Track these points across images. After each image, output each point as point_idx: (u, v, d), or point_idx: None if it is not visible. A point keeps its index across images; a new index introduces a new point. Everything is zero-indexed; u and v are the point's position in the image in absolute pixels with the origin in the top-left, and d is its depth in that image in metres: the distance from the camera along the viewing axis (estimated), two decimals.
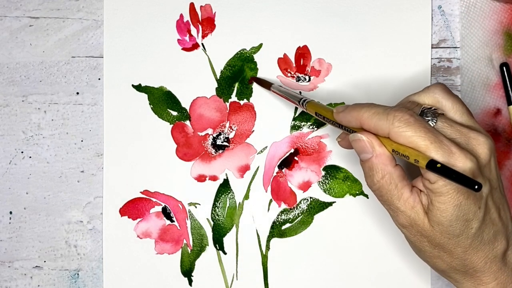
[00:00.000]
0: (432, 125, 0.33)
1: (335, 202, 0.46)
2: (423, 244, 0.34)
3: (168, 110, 0.47)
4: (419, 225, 0.33)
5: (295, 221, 0.46)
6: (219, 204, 0.47)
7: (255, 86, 0.46)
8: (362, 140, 0.34)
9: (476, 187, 0.29)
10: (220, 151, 0.47)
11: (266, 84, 0.45)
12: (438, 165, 0.30)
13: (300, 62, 0.46)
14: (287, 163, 0.46)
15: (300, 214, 0.46)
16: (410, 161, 0.32)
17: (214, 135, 0.47)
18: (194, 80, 0.47)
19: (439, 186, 0.31)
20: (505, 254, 0.34)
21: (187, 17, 0.47)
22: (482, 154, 0.33)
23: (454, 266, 0.34)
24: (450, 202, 0.32)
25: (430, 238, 0.33)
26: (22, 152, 0.48)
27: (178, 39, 0.47)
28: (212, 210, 0.47)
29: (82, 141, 0.47)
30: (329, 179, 0.46)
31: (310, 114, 0.40)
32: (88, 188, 0.47)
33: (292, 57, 0.46)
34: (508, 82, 0.45)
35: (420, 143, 0.31)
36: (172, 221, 0.47)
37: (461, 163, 0.31)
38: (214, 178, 0.47)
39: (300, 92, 0.46)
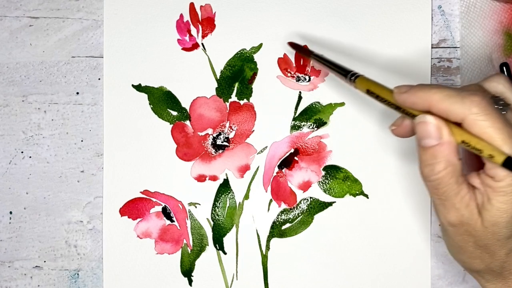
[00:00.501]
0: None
1: (335, 202, 0.46)
2: (467, 244, 0.32)
3: (168, 110, 0.47)
4: (470, 224, 0.31)
5: (295, 221, 0.46)
6: (219, 204, 0.47)
7: (255, 85, 0.46)
8: (430, 123, 0.30)
9: None
10: (220, 151, 0.47)
11: (305, 52, 0.44)
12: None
13: (300, 62, 0.46)
14: (287, 163, 0.46)
15: (300, 214, 0.46)
16: (483, 155, 0.29)
17: (214, 135, 0.47)
18: (194, 80, 0.47)
19: (506, 185, 0.29)
20: None
21: (187, 17, 0.47)
22: None
23: (491, 267, 0.33)
24: (511, 202, 0.30)
25: (477, 238, 0.31)
26: (22, 152, 0.48)
27: (178, 39, 0.47)
28: (212, 210, 0.47)
29: (82, 141, 0.47)
30: (329, 179, 0.46)
31: (360, 91, 0.37)
32: (88, 188, 0.47)
33: (292, 57, 0.46)
34: None
35: (496, 136, 0.29)
36: (172, 221, 0.47)
37: None
38: (214, 178, 0.47)
39: (300, 93, 0.46)
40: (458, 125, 0.30)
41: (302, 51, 0.45)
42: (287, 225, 0.46)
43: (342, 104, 0.46)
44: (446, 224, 0.33)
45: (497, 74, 0.34)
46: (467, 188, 0.31)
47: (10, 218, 0.48)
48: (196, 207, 0.47)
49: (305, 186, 0.46)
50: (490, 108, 0.29)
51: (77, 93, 0.47)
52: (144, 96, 0.47)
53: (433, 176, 0.31)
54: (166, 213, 0.47)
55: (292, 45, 0.45)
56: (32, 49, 0.48)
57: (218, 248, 0.47)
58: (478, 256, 0.33)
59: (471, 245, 0.32)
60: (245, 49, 0.47)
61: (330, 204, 0.46)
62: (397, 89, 0.32)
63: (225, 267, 0.47)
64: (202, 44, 0.47)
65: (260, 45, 0.47)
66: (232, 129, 0.46)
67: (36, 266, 0.47)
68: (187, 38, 0.47)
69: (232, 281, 0.47)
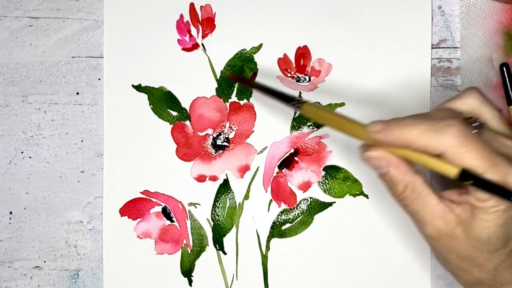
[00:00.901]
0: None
1: (335, 202, 0.46)
2: (451, 257, 0.32)
3: (168, 110, 0.47)
4: (449, 235, 0.31)
5: (295, 221, 0.46)
6: (219, 204, 0.47)
7: None
8: (375, 158, 0.31)
9: None
10: (220, 151, 0.47)
11: (247, 82, 0.44)
12: (469, 182, 0.29)
13: (300, 62, 0.46)
14: (287, 163, 0.46)
15: (300, 214, 0.46)
16: (437, 171, 0.30)
17: (214, 135, 0.47)
18: (194, 80, 0.47)
19: (490, 205, 0.30)
20: None
21: (187, 17, 0.47)
22: None
23: (481, 280, 0.33)
24: (494, 220, 0.30)
25: (460, 251, 0.32)
26: (22, 152, 0.48)
27: (178, 39, 0.47)
28: (212, 210, 0.47)
29: (82, 141, 0.47)
30: (329, 179, 0.46)
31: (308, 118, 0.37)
32: (88, 188, 0.47)
33: (292, 57, 0.46)
34: (508, 82, 0.45)
35: (478, 166, 0.29)
36: (172, 221, 0.47)
37: None
38: (214, 178, 0.47)
39: (300, 93, 0.46)
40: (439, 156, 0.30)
41: (244, 82, 0.45)
42: (287, 225, 0.46)
43: (342, 104, 0.46)
44: (425, 237, 0.33)
45: (470, 89, 0.33)
46: (436, 199, 0.31)
47: (10, 218, 0.48)
48: (196, 207, 0.47)
49: (305, 186, 0.46)
50: (467, 137, 0.29)
51: (77, 93, 0.47)
52: (144, 96, 0.47)
53: (398, 198, 0.32)
54: (166, 213, 0.47)
55: (233, 77, 0.45)
56: (32, 49, 0.48)
57: (218, 248, 0.47)
58: (466, 269, 0.33)
59: (455, 257, 0.32)
60: (245, 49, 0.47)
61: (330, 204, 0.46)
62: (371, 128, 0.32)
63: (225, 267, 0.47)
64: (202, 44, 0.47)
65: (260, 45, 0.47)
66: (232, 129, 0.46)
67: (36, 266, 0.47)
68: (187, 38, 0.47)
69: (232, 281, 0.47)
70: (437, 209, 0.31)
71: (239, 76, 0.46)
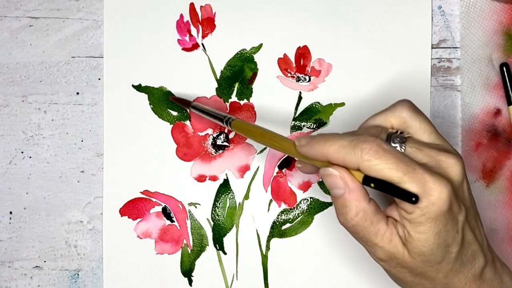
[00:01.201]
0: (401, 151, 0.32)
1: None
2: (404, 275, 0.33)
3: (168, 110, 0.47)
4: (398, 257, 0.32)
5: (295, 221, 0.46)
6: (219, 204, 0.47)
7: (255, 86, 0.46)
8: (334, 175, 0.32)
9: (414, 199, 0.29)
10: (220, 151, 0.47)
11: (185, 103, 0.45)
12: (372, 185, 0.30)
13: (300, 62, 0.46)
14: (287, 163, 0.46)
15: (300, 214, 0.46)
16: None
17: (214, 135, 0.47)
18: (194, 80, 0.47)
19: (417, 216, 0.30)
20: (483, 271, 0.33)
21: (187, 17, 0.47)
22: (455, 176, 0.32)
23: None
24: (429, 231, 0.31)
25: (411, 269, 0.32)
26: (22, 152, 0.48)
27: (178, 39, 0.47)
28: (212, 210, 0.47)
29: (82, 141, 0.47)
30: None
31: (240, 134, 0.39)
32: (88, 188, 0.47)
33: (292, 57, 0.46)
34: (508, 82, 0.45)
35: (393, 175, 0.30)
36: (172, 221, 0.47)
37: (437, 192, 0.30)
38: (214, 178, 0.47)
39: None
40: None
41: (181, 102, 0.45)
42: (287, 225, 0.46)
43: (342, 104, 0.46)
44: (377, 260, 0.34)
45: (401, 102, 0.35)
46: (385, 225, 0.32)
47: (10, 218, 0.48)
48: (196, 207, 0.47)
49: (305, 186, 0.46)
50: (381, 150, 0.30)
51: (77, 93, 0.47)
52: (144, 96, 0.47)
53: (348, 223, 0.32)
54: (166, 213, 0.47)
55: (174, 99, 0.46)
56: (32, 49, 0.48)
57: (218, 248, 0.47)
58: (418, 283, 0.33)
59: (408, 275, 0.33)
60: (245, 49, 0.47)
61: (330, 204, 0.46)
62: (297, 142, 0.34)
63: (225, 267, 0.47)
64: (202, 44, 0.47)
65: (260, 45, 0.47)
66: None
67: (36, 266, 0.47)
68: (187, 38, 0.47)
69: (232, 281, 0.47)
70: (387, 234, 0.32)
71: (178, 97, 0.46)
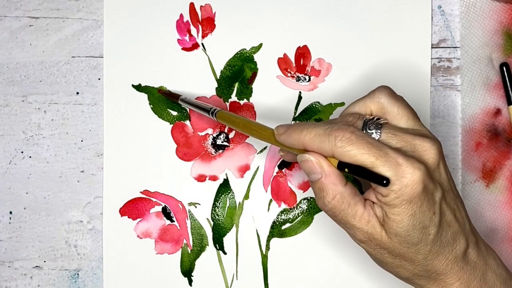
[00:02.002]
0: (376, 137, 0.33)
1: None
2: (384, 256, 0.34)
3: (168, 110, 0.47)
4: (377, 238, 0.33)
5: (295, 221, 0.46)
6: (219, 204, 0.47)
7: (255, 85, 0.46)
8: (310, 160, 0.33)
9: (385, 182, 0.30)
10: (220, 151, 0.47)
11: (174, 96, 0.45)
12: (346, 170, 0.31)
13: (300, 62, 0.46)
14: (287, 163, 0.46)
15: (300, 214, 0.46)
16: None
17: (214, 135, 0.47)
18: (194, 80, 0.47)
19: (392, 198, 0.31)
20: (465, 253, 0.34)
21: (187, 17, 0.47)
22: (430, 159, 0.32)
23: (416, 273, 0.34)
24: (404, 213, 0.31)
25: (389, 250, 0.33)
26: (22, 152, 0.48)
27: (178, 39, 0.47)
28: (212, 210, 0.47)
29: (82, 141, 0.47)
30: None
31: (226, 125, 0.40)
32: (88, 188, 0.47)
33: (292, 57, 0.46)
34: (508, 82, 0.45)
35: (366, 160, 0.31)
36: (172, 221, 0.47)
37: (410, 174, 0.31)
38: (214, 178, 0.47)
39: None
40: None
41: (171, 96, 0.46)
42: (287, 225, 0.46)
43: (342, 104, 0.46)
44: (357, 242, 0.34)
45: (380, 87, 0.35)
46: (363, 207, 0.33)
47: (10, 218, 0.48)
48: (196, 207, 0.47)
49: (305, 186, 0.46)
50: (354, 137, 0.32)
51: (77, 93, 0.47)
52: (144, 96, 0.47)
53: (326, 207, 0.34)
54: (166, 213, 0.47)
55: (163, 93, 0.46)
56: (32, 49, 0.48)
57: (218, 248, 0.47)
58: (398, 265, 0.34)
59: (387, 256, 0.34)
60: (245, 49, 0.47)
61: None
62: (276, 131, 0.35)
63: (225, 267, 0.47)
64: (202, 44, 0.47)
65: (260, 45, 0.47)
66: (232, 129, 0.46)
67: (36, 266, 0.47)
68: (187, 38, 0.47)
69: (232, 281, 0.47)
70: (365, 215, 0.33)
71: (167, 91, 0.46)
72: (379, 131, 0.33)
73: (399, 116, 0.34)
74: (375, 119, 0.34)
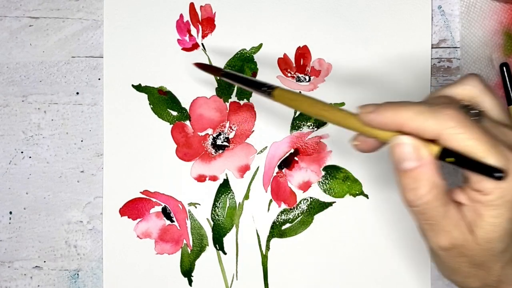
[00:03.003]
0: None
1: (335, 202, 0.46)
2: (461, 265, 0.30)
3: (168, 110, 0.47)
4: (462, 244, 0.28)
5: (295, 221, 0.46)
6: (219, 204, 0.47)
7: None
8: (407, 144, 0.28)
9: (497, 175, 0.26)
10: (220, 151, 0.47)
11: (213, 70, 0.43)
12: (451, 159, 0.26)
13: (300, 62, 0.46)
14: (287, 163, 0.46)
15: (300, 214, 0.46)
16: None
17: (214, 135, 0.47)
18: (194, 80, 0.47)
19: (494, 198, 0.27)
20: None
21: (187, 17, 0.47)
22: None
23: (487, 283, 0.31)
24: (503, 216, 0.27)
25: (472, 258, 0.29)
26: (22, 152, 0.48)
27: (178, 39, 0.47)
28: (212, 210, 0.47)
29: (82, 141, 0.47)
30: (329, 179, 0.46)
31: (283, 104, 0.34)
32: (88, 188, 0.47)
33: (292, 57, 0.46)
34: (508, 82, 0.45)
35: (478, 148, 0.26)
36: (172, 221, 0.47)
37: None
38: (214, 178, 0.47)
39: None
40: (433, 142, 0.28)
41: (210, 70, 0.43)
42: (287, 225, 0.46)
43: (342, 104, 0.46)
44: (436, 249, 0.30)
45: (471, 75, 0.31)
46: (454, 207, 0.29)
47: (10, 218, 0.48)
48: (196, 207, 0.47)
49: (305, 186, 0.46)
50: (466, 120, 0.27)
51: (77, 93, 0.47)
52: (144, 96, 0.47)
53: (418, 201, 0.28)
54: (166, 213, 0.47)
55: (198, 65, 0.44)
56: (32, 49, 0.48)
57: (218, 248, 0.47)
58: (473, 274, 0.30)
59: (465, 266, 0.30)
60: (245, 49, 0.47)
61: (330, 204, 0.46)
62: (362, 109, 0.29)
63: (225, 267, 0.47)
64: (202, 44, 0.47)
65: (260, 45, 0.47)
66: (232, 129, 0.46)
67: (36, 266, 0.47)
68: (187, 38, 0.47)
69: (232, 281, 0.47)
70: (455, 218, 0.28)
71: (206, 64, 0.45)
72: (478, 120, 0.29)
73: (493, 107, 0.30)
74: (471, 106, 0.30)
